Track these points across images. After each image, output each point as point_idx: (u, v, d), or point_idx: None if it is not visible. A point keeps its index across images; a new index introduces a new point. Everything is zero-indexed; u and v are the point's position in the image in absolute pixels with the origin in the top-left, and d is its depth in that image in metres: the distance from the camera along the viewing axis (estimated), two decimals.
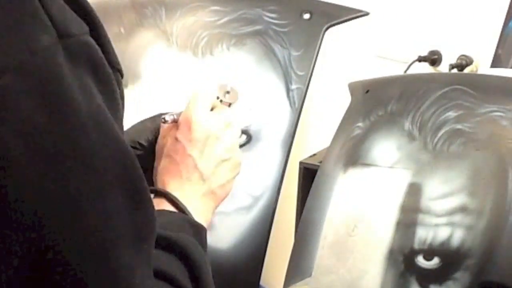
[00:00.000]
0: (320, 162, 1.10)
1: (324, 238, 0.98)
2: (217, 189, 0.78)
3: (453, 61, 1.39)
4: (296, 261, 1.02)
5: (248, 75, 1.23)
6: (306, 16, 1.24)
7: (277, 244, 1.30)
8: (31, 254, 0.44)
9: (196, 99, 0.78)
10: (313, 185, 1.06)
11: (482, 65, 1.36)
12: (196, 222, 0.72)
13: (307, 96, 1.22)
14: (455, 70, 1.38)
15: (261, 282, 1.23)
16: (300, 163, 1.21)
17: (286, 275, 1.03)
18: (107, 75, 0.49)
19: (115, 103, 0.50)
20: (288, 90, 1.22)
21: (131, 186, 0.49)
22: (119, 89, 0.52)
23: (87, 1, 0.49)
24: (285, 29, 1.24)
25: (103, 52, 0.49)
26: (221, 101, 0.82)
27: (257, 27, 1.24)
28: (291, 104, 1.22)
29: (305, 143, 1.52)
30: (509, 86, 0.92)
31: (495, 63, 1.34)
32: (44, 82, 0.44)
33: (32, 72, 0.44)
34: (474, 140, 0.87)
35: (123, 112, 0.53)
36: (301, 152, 1.31)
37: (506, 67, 1.32)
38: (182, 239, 0.64)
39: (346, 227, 0.95)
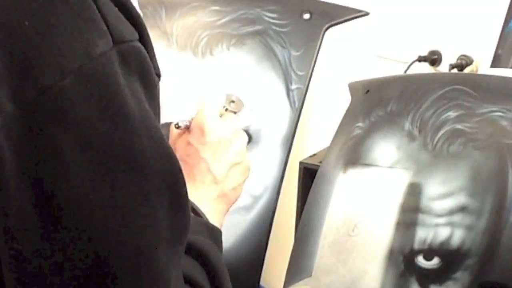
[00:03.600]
0: (320, 162, 1.10)
1: (324, 238, 0.98)
2: (229, 192, 0.79)
3: (453, 61, 1.39)
4: (296, 261, 1.02)
5: (248, 75, 1.23)
6: (306, 16, 1.24)
7: (277, 244, 1.30)
8: (79, 256, 0.45)
9: (207, 105, 0.81)
10: (313, 185, 1.06)
11: (482, 65, 1.36)
12: (212, 224, 0.73)
13: (307, 96, 1.22)
14: (455, 70, 1.37)
15: (261, 282, 1.23)
16: (300, 163, 1.21)
17: (286, 275, 1.03)
18: (153, 81, 0.51)
19: (158, 109, 0.52)
20: (288, 90, 1.22)
21: (175, 190, 0.51)
22: (159, 93, 0.53)
23: (136, 9, 0.50)
24: (285, 29, 1.24)
25: (149, 58, 0.50)
26: (226, 109, 0.84)
27: (257, 27, 1.24)
28: (291, 104, 1.22)
29: (305, 143, 1.52)
30: (509, 86, 0.92)
31: (495, 63, 1.34)
32: (102, 87, 0.45)
33: (90, 76, 0.45)
34: (474, 140, 0.87)
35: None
36: (301, 152, 1.31)
37: (506, 67, 1.32)
38: (200, 242, 0.65)
39: (346, 227, 0.95)
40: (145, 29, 0.51)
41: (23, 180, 0.44)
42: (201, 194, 0.76)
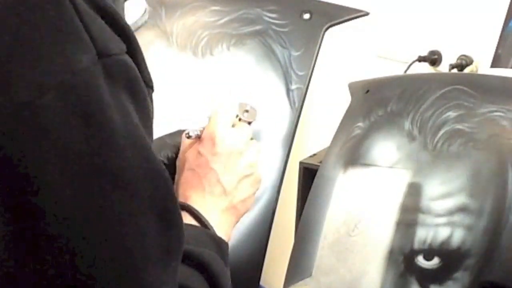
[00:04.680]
0: (320, 162, 1.10)
1: (324, 238, 0.98)
2: (238, 204, 0.78)
3: (453, 61, 1.39)
4: (296, 261, 1.02)
5: (248, 75, 1.23)
6: (306, 16, 1.24)
7: (277, 244, 1.30)
8: (63, 274, 0.44)
9: (219, 115, 0.79)
10: (313, 185, 1.06)
11: (482, 65, 1.36)
12: (218, 236, 0.72)
13: (307, 96, 1.22)
14: (455, 70, 1.38)
15: (261, 282, 1.23)
16: (300, 163, 1.22)
17: (286, 275, 1.03)
18: (143, 94, 0.49)
19: (149, 122, 0.51)
20: (288, 90, 1.22)
21: (164, 206, 0.50)
22: (152, 105, 0.52)
23: (123, 19, 0.49)
24: (285, 29, 1.24)
25: (138, 70, 0.49)
26: (239, 119, 0.83)
27: (257, 27, 1.24)
28: (291, 104, 1.22)
29: (305, 143, 1.52)
30: (509, 86, 0.92)
31: (495, 63, 1.34)
32: (84, 103, 0.44)
33: (72, 92, 0.43)
34: (474, 140, 0.87)
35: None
36: (301, 152, 1.31)
37: (506, 67, 1.32)
38: (204, 254, 0.64)
39: (346, 227, 0.95)
40: (134, 40, 0.50)
41: (2, 198, 0.43)
42: (209, 205, 0.75)
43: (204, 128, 0.79)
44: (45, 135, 0.43)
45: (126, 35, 0.49)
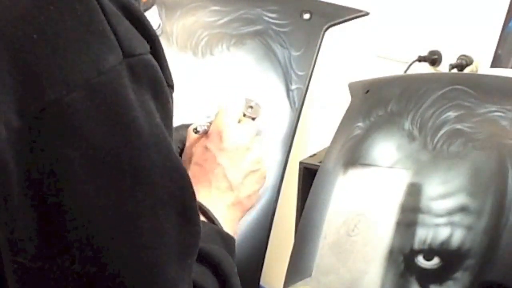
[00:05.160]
0: (320, 162, 1.10)
1: (324, 238, 0.98)
2: (244, 199, 0.78)
3: (453, 61, 1.39)
4: (296, 261, 1.02)
5: (248, 75, 1.23)
6: (306, 16, 1.24)
7: (277, 244, 1.30)
8: (88, 270, 0.45)
9: (226, 111, 0.80)
10: (313, 185, 1.06)
11: (482, 65, 1.36)
12: (225, 232, 0.72)
13: (307, 96, 1.22)
14: (455, 70, 1.37)
15: (261, 282, 1.23)
16: (300, 163, 1.21)
17: (286, 275, 1.03)
18: (165, 93, 0.50)
19: (170, 121, 0.52)
20: (288, 90, 1.22)
21: (184, 204, 0.50)
22: (172, 105, 0.53)
23: (148, 21, 0.50)
24: (285, 29, 1.24)
25: (161, 70, 0.50)
26: (244, 115, 0.83)
27: (257, 27, 1.24)
28: (291, 104, 1.22)
29: (305, 143, 1.52)
30: (509, 86, 0.92)
31: (495, 63, 1.34)
32: (110, 101, 0.45)
33: (98, 90, 0.44)
34: (474, 140, 0.87)
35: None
36: (301, 152, 1.31)
37: (506, 67, 1.32)
38: (214, 250, 0.65)
39: (346, 227, 0.95)
40: (158, 41, 0.51)
41: (28, 194, 0.44)
42: (216, 200, 0.76)
43: (211, 123, 0.80)
44: (71, 132, 0.44)
45: (150, 35, 0.49)
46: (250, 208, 0.80)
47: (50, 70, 0.43)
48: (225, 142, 0.77)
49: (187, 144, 0.81)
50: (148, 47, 0.49)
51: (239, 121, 0.82)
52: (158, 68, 0.49)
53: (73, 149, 0.44)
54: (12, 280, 0.45)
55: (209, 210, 0.73)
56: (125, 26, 0.47)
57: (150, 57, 0.49)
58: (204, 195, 0.75)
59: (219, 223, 0.73)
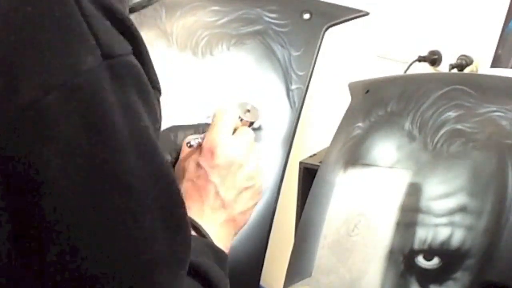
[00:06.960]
0: (320, 162, 1.10)
1: (324, 238, 0.98)
2: (237, 216, 0.77)
3: (453, 61, 1.39)
4: (296, 261, 1.02)
5: (248, 75, 1.23)
6: (306, 16, 1.24)
7: (277, 244, 1.30)
8: (65, 276, 0.44)
9: (220, 122, 0.77)
10: (313, 185, 1.06)
11: (482, 65, 1.36)
12: (218, 247, 0.71)
13: (307, 96, 1.22)
14: (455, 70, 1.38)
15: (261, 282, 1.22)
16: (300, 163, 1.21)
17: (286, 275, 1.03)
18: (150, 95, 0.49)
19: (157, 124, 0.51)
20: (288, 90, 1.22)
21: (171, 211, 0.49)
22: (159, 108, 0.52)
23: (131, 20, 0.49)
24: (285, 29, 1.24)
25: (145, 71, 0.49)
26: (241, 120, 0.81)
27: (257, 27, 1.24)
28: (291, 104, 1.22)
29: (305, 143, 1.52)
30: (509, 86, 0.92)
31: (495, 63, 1.34)
32: (86, 103, 0.44)
33: (75, 92, 0.44)
34: (474, 140, 0.87)
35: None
36: (301, 152, 1.31)
37: (506, 67, 1.32)
38: (205, 264, 0.63)
39: (346, 227, 0.95)
40: (141, 42, 0.50)
41: (3, 196, 0.43)
42: (208, 217, 0.74)
43: (205, 135, 0.78)
44: (47, 135, 0.43)
45: (132, 36, 0.49)
46: (244, 224, 0.79)
47: (26, 72, 0.43)
48: (217, 159, 0.75)
49: (181, 157, 0.79)
50: (130, 48, 0.48)
51: (235, 129, 0.79)
52: (141, 69, 0.48)
53: (50, 152, 0.43)
54: None
55: (200, 226, 0.72)
56: (105, 27, 0.46)
57: (131, 58, 0.48)
58: (196, 212, 0.74)
59: (211, 239, 0.72)
